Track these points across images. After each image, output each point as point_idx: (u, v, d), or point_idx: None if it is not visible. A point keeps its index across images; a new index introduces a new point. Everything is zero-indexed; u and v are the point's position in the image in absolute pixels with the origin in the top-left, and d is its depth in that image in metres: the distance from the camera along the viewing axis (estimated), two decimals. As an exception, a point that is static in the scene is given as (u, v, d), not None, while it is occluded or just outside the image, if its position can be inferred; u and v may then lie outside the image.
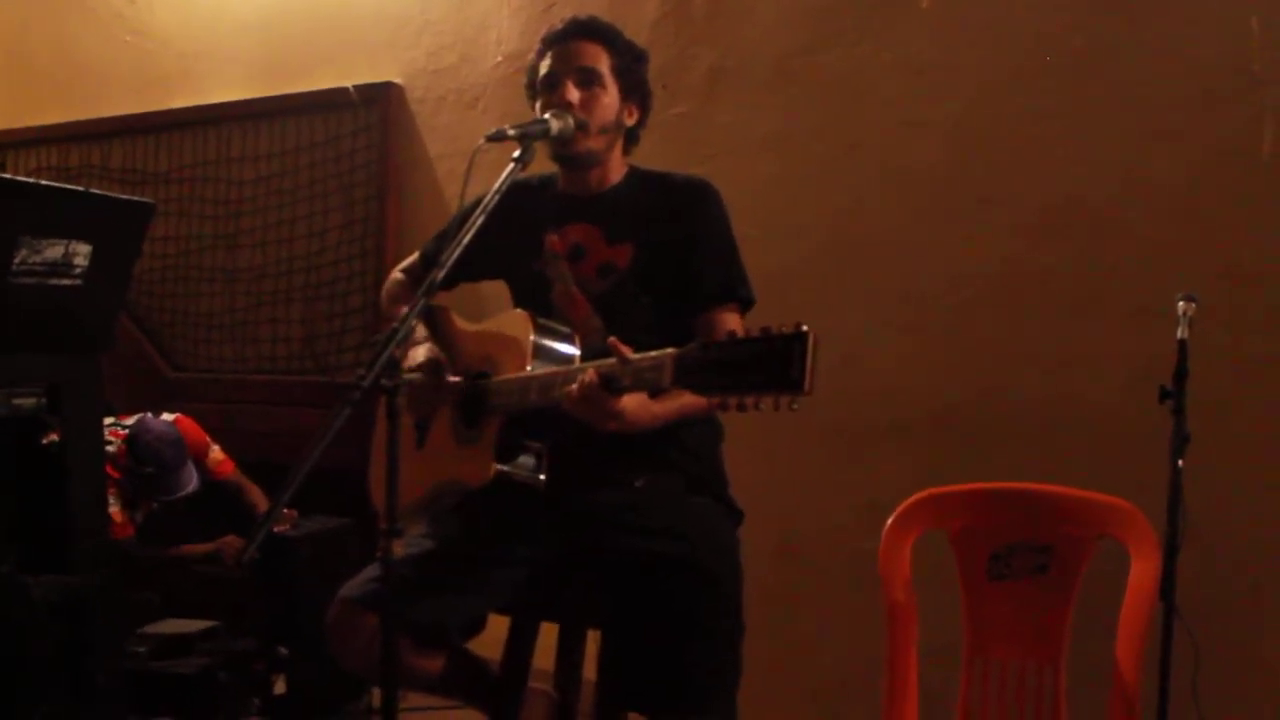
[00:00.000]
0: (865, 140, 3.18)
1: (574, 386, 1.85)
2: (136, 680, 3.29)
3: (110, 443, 3.50)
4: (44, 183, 2.96)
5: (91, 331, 3.03)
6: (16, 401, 2.90)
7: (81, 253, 2.85)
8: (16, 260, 2.73)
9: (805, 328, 1.53)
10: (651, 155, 2.42)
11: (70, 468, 2.96)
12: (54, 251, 2.80)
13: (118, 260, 2.99)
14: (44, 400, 2.94)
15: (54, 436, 2.96)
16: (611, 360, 1.82)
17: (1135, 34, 2.85)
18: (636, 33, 2.49)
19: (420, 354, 2.24)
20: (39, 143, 4.88)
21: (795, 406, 1.54)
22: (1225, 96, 2.75)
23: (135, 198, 3.26)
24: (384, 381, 1.67)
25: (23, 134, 4.89)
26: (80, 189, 3.07)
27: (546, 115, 2.15)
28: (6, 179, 3.09)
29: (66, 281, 2.85)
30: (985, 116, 3.03)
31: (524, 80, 2.37)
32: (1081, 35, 2.91)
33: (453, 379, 2.21)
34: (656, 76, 2.41)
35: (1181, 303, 2.29)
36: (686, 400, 1.97)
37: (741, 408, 1.59)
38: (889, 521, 2.39)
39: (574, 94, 2.19)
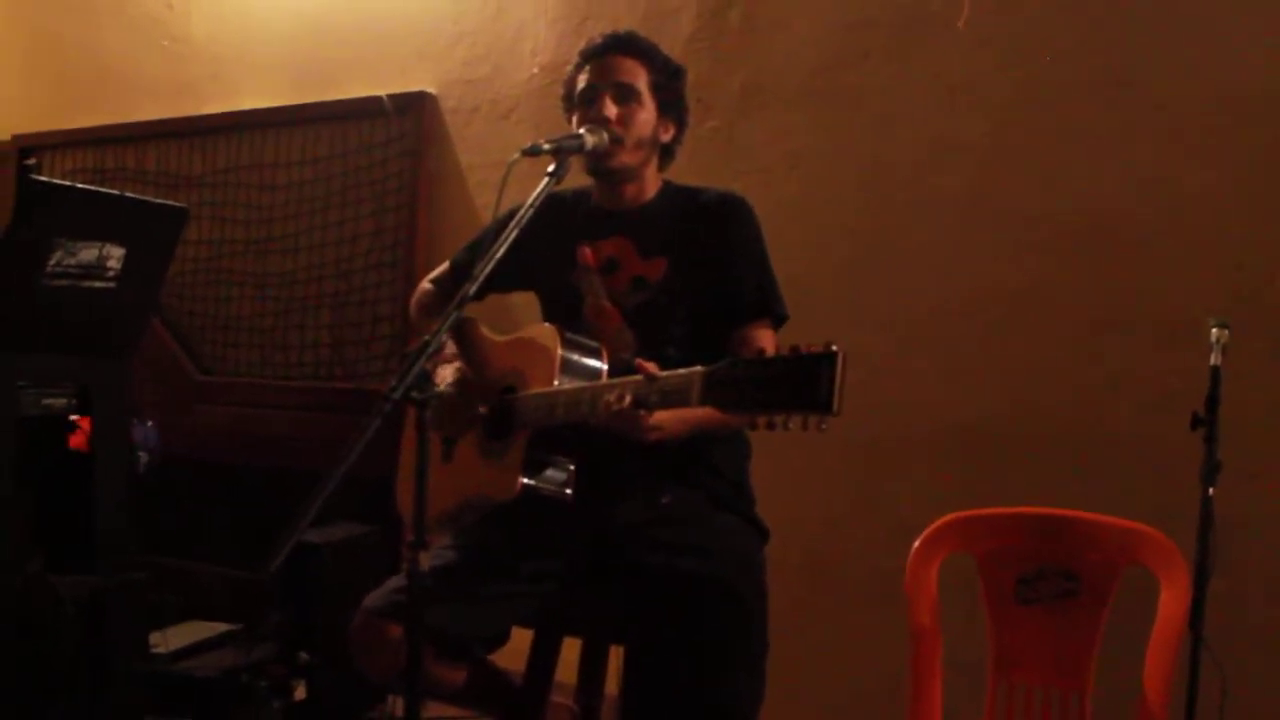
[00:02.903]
0: (896, 157, 3.17)
1: (607, 400, 1.86)
2: (158, 682, 3.31)
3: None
4: (79, 185, 2.98)
5: (123, 334, 3.05)
6: (47, 401, 2.92)
7: (115, 255, 2.88)
8: (51, 262, 2.75)
9: (835, 347, 1.52)
10: (684, 170, 2.43)
11: (97, 468, 2.98)
12: (88, 254, 2.82)
13: (151, 264, 3.01)
14: (74, 401, 2.97)
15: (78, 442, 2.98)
16: (638, 378, 1.82)
17: (1167, 53, 2.83)
18: (670, 48, 2.49)
19: (448, 373, 2.24)
20: (74, 145, 4.91)
21: (824, 427, 1.53)
22: (1258, 117, 2.74)
23: (169, 202, 3.28)
24: (414, 394, 1.68)
25: (58, 137, 4.93)
26: (115, 192, 3.10)
27: (582, 130, 2.16)
28: (42, 181, 3.10)
29: (100, 284, 2.87)
30: (1016, 135, 3.01)
31: (558, 92, 2.39)
32: (1113, 54, 2.90)
33: (481, 408, 2.21)
34: (690, 91, 2.41)
35: (1215, 329, 2.26)
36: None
37: (771, 426, 1.59)
38: (916, 544, 2.37)
39: (611, 109, 2.20)
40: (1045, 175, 2.98)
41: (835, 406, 1.51)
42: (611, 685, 2.33)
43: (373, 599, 2.15)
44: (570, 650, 2.39)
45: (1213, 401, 2.21)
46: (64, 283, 2.79)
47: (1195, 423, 2.21)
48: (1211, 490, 2.17)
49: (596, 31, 2.35)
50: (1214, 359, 2.23)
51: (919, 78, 3.14)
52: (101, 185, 4.53)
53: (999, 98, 3.04)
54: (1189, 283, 2.78)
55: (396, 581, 2.15)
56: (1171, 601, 2.19)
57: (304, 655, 3.57)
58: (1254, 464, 2.57)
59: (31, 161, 4.89)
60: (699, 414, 1.94)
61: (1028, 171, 3.00)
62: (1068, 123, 2.95)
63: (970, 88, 3.07)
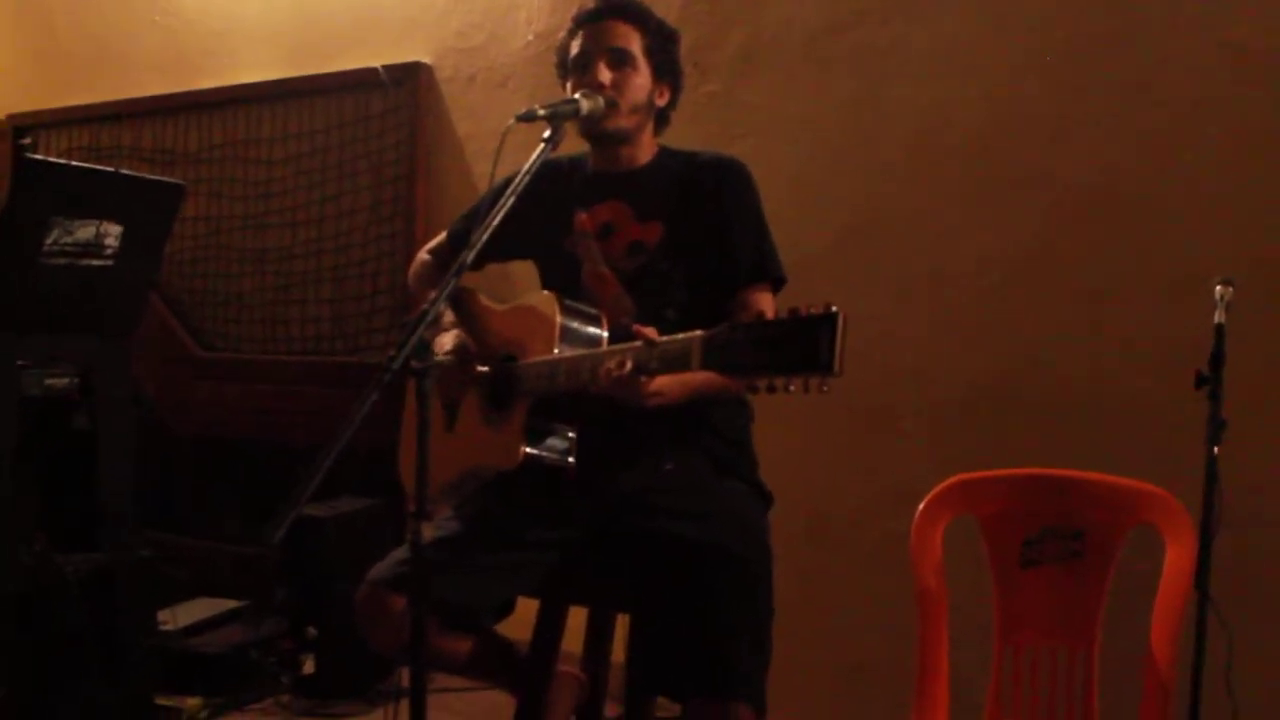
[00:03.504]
0: (896, 120, 3.15)
1: (604, 374, 1.85)
2: (167, 658, 3.32)
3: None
4: (75, 164, 2.97)
5: (123, 312, 3.05)
6: (50, 382, 2.92)
7: (113, 233, 2.87)
8: (49, 241, 2.75)
9: (835, 308, 1.51)
10: (682, 134, 2.41)
11: (100, 447, 2.99)
12: (85, 232, 2.81)
13: (148, 241, 3.01)
14: (76, 380, 2.97)
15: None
16: (639, 343, 1.81)
17: (1171, 13, 2.81)
18: (666, 12, 2.47)
19: (448, 341, 2.23)
20: (70, 123, 4.90)
21: (825, 389, 1.53)
22: (1263, 77, 2.71)
23: (166, 178, 3.27)
24: (414, 364, 1.67)
25: (54, 115, 4.92)
26: (111, 170, 3.08)
27: (577, 95, 2.14)
28: (38, 160, 3.10)
29: (98, 262, 2.87)
30: (1018, 95, 2.99)
31: (554, 60, 2.37)
32: (1116, 14, 2.87)
33: (480, 367, 2.20)
34: (687, 55, 2.39)
35: (1219, 287, 2.25)
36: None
37: (771, 389, 1.58)
38: (920, 507, 2.37)
39: (606, 74, 2.18)
40: (1048, 136, 2.95)
41: (836, 367, 1.50)
42: (618, 653, 2.34)
43: (377, 571, 2.15)
44: (576, 619, 2.40)
45: (1217, 359, 2.19)
46: (62, 261, 2.79)
47: (1199, 381, 2.20)
48: (1216, 448, 2.16)
49: (591, -3, 2.32)
50: (1218, 317, 2.21)
51: (918, 39, 3.12)
52: (97, 163, 4.51)
53: (1000, 58, 3.01)
54: (1194, 242, 2.76)
55: (401, 553, 2.15)
56: (1177, 560, 2.19)
57: (311, 630, 3.59)
58: (1259, 421, 2.56)
59: (27, 141, 4.88)
60: (699, 378, 1.93)
61: (1030, 132, 2.98)
62: (1070, 83, 2.92)
63: (971, 48, 3.05)
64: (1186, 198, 2.79)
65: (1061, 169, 2.93)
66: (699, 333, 1.70)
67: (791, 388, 1.55)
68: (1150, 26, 2.83)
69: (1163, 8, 2.81)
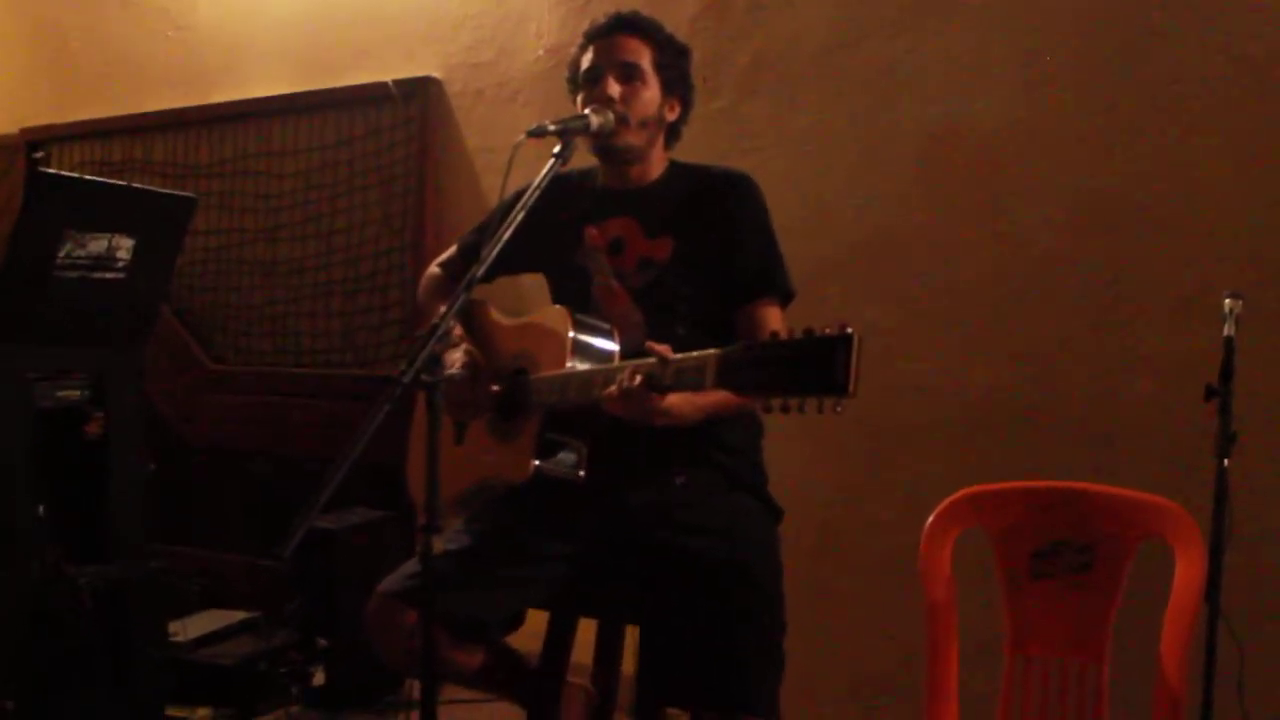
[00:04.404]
0: (905, 134, 3.15)
1: (615, 388, 1.85)
2: (177, 670, 3.33)
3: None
4: (87, 177, 2.99)
5: (134, 324, 3.06)
6: (61, 394, 2.93)
7: (124, 246, 2.89)
8: (61, 254, 2.76)
9: (850, 329, 1.51)
10: (691, 149, 2.42)
11: (112, 458, 3.00)
12: (97, 245, 2.83)
13: (160, 254, 3.02)
14: (88, 392, 2.98)
15: (94, 429, 2.99)
16: (652, 360, 1.81)
17: (1181, 27, 2.81)
18: (676, 26, 2.48)
19: (457, 357, 2.22)
20: (82, 137, 4.91)
21: (839, 409, 1.53)
22: (1272, 91, 2.71)
23: (177, 192, 3.29)
24: (424, 377, 1.67)
25: (66, 129, 4.93)
26: (123, 184, 3.10)
27: (587, 110, 2.15)
28: (51, 174, 3.12)
29: (110, 275, 2.88)
30: (1027, 110, 2.99)
31: (564, 74, 2.38)
32: (1126, 28, 2.88)
33: (493, 386, 2.20)
34: (696, 70, 2.39)
35: (1228, 300, 2.25)
36: (729, 394, 1.96)
37: (785, 409, 1.58)
38: (929, 520, 2.37)
39: (615, 89, 2.19)
40: (1058, 150, 2.96)
41: (851, 388, 1.50)
42: (628, 665, 2.34)
43: (387, 584, 2.16)
44: (586, 631, 2.40)
45: (1227, 373, 2.19)
46: (74, 274, 2.81)
47: (1209, 394, 2.20)
48: (1226, 461, 2.16)
49: (601, 12, 2.33)
50: (1227, 330, 2.21)
51: (927, 53, 3.12)
52: (110, 176, 4.53)
53: (1009, 73, 3.02)
54: (1203, 255, 2.77)
55: (411, 566, 2.15)
56: (1187, 573, 2.18)
57: (322, 641, 3.59)
58: (1269, 434, 2.56)
59: (40, 154, 4.90)
60: (711, 399, 1.94)
61: (1040, 146, 2.98)
62: (1080, 97, 2.93)
63: (979, 63, 3.05)
64: (1196, 211, 2.79)
65: (1071, 183, 2.94)
66: (714, 351, 1.69)
67: (805, 408, 1.55)
68: (1162, 41, 2.83)
69: (1174, 22, 2.82)
